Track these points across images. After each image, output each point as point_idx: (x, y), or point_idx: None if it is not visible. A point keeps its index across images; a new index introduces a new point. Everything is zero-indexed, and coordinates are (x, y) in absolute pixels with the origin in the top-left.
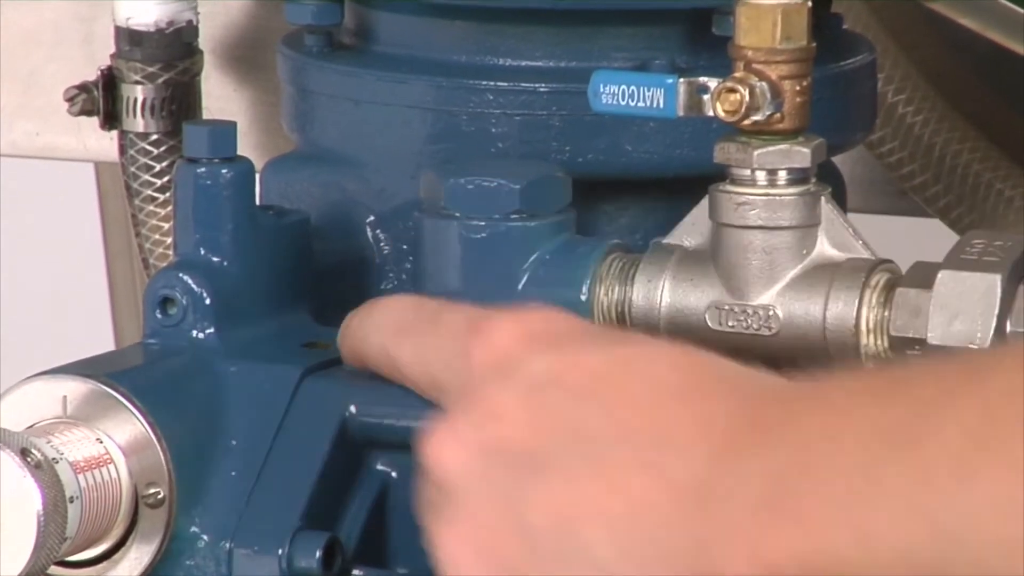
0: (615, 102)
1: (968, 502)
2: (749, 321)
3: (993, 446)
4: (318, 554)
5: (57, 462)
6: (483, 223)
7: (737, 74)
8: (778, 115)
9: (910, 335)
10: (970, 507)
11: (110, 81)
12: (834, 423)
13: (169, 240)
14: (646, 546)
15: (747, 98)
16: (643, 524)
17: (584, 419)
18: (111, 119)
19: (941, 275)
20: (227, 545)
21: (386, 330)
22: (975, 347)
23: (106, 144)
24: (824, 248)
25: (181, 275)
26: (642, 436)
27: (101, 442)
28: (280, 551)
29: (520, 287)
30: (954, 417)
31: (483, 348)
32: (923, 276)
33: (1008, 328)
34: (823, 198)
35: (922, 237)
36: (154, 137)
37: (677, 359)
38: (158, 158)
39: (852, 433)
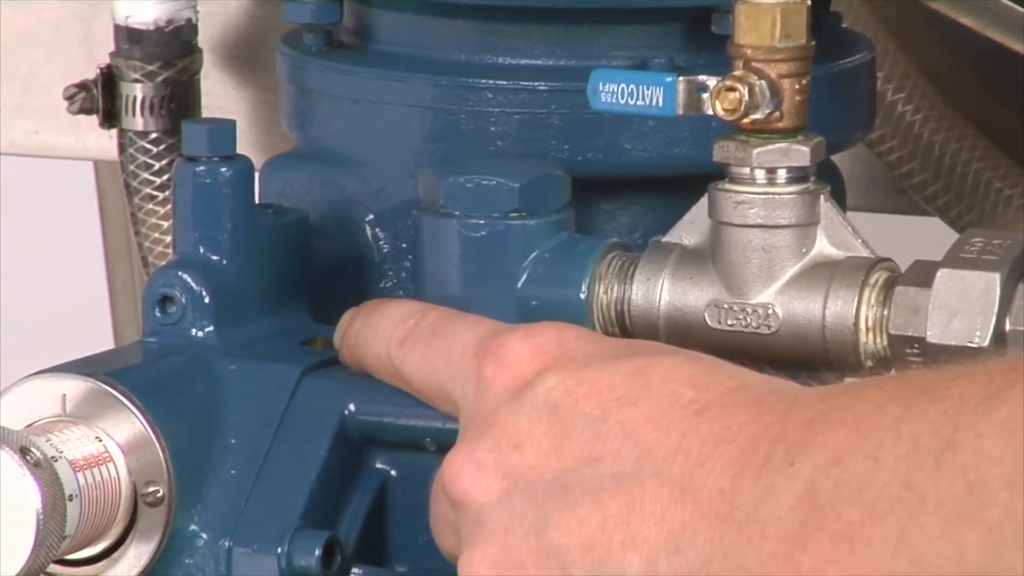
0: (614, 100)
1: (1020, 501)
2: (748, 319)
3: None
4: (317, 553)
5: (56, 460)
6: (482, 222)
7: (736, 72)
8: (777, 113)
9: (909, 333)
10: (1022, 506)
11: (109, 79)
12: (864, 434)
13: (168, 239)
14: (684, 574)
15: (746, 96)
16: (682, 554)
17: (605, 441)
18: (110, 118)
19: (940, 273)
20: (226, 544)
21: (388, 337)
22: (974, 346)
23: (105, 143)
24: (823, 246)
25: (180, 274)
26: (665, 456)
27: (100, 440)
28: (279, 550)
29: (519, 286)
30: (991, 421)
31: (495, 368)
32: (922, 274)
33: (1007, 327)
34: (822, 196)
35: (921, 235)
36: (153, 136)
37: (692, 371)
38: (157, 156)
39: (885, 443)
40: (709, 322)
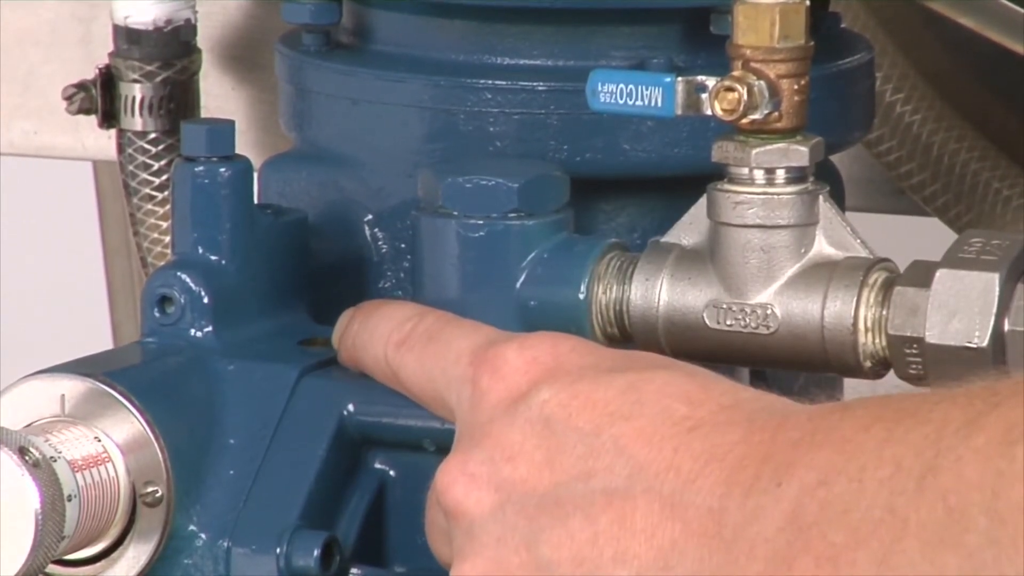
0: (613, 101)
1: (999, 528)
2: (747, 320)
3: (1014, 471)
4: (316, 553)
5: (55, 461)
6: (481, 222)
7: (735, 73)
8: (776, 114)
9: (908, 334)
10: (1001, 533)
11: (108, 80)
12: (849, 456)
13: (167, 239)
14: None
15: (745, 97)
16: (671, 571)
17: (597, 456)
18: (109, 118)
19: (939, 274)
20: (225, 544)
21: (385, 339)
22: (973, 346)
23: (104, 143)
24: (822, 247)
25: (179, 274)
26: (656, 472)
27: (99, 440)
28: (278, 550)
29: (518, 286)
30: (970, 446)
31: (490, 379)
32: (921, 275)
33: (1006, 327)
34: (821, 197)
35: (920, 236)
36: (152, 136)
37: (687, 386)
38: (156, 157)
39: (868, 466)
40: (708, 322)
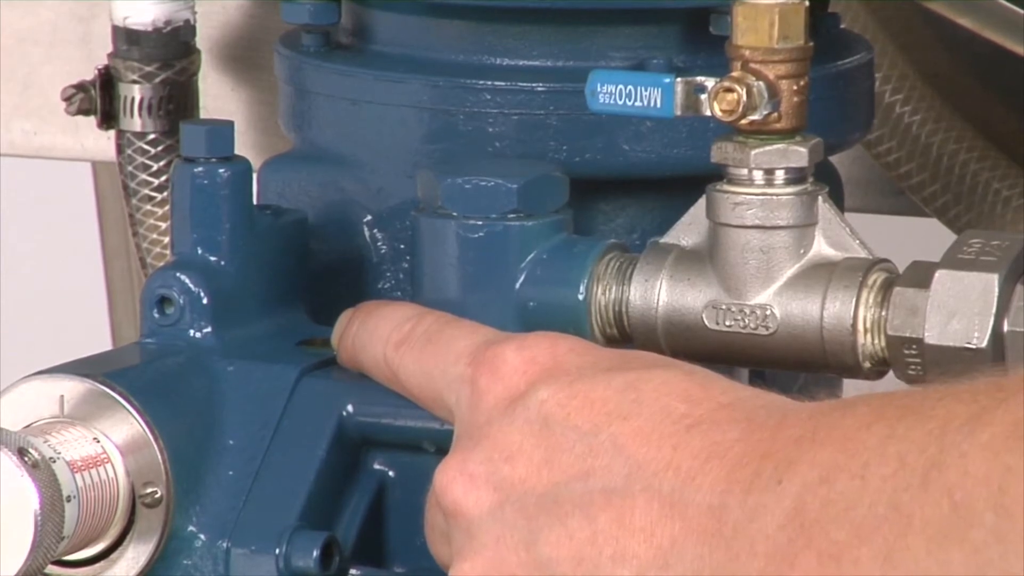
0: (612, 101)
1: (1006, 523)
2: (746, 320)
3: (1022, 467)
4: (315, 553)
5: (54, 461)
6: (480, 222)
7: (734, 73)
8: (775, 114)
9: (907, 334)
10: (1008, 529)
11: (107, 80)
12: (851, 453)
13: (166, 239)
14: None
15: (744, 97)
16: (671, 570)
17: (596, 455)
18: (108, 118)
19: (938, 274)
20: (224, 544)
21: (385, 340)
22: (972, 347)
23: (104, 143)
24: (821, 247)
25: (178, 275)
26: (655, 471)
27: (98, 441)
28: (277, 550)
29: (517, 286)
30: (975, 442)
31: (489, 379)
32: (920, 275)
33: (1005, 327)
34: (820, 197)
35: (919, 236)
36: (151, 136)
37: (685, 385)
38: (155, 157)
39: (871, 463)
40: (707, 323)
